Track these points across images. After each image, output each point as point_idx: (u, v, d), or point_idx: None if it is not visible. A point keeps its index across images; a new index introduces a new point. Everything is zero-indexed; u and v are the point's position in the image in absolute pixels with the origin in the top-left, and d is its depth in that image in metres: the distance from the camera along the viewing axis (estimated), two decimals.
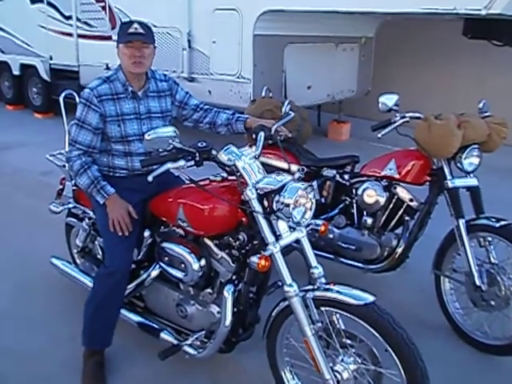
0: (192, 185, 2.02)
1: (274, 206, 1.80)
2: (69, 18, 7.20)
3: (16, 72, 8.20)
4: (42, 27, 7.59)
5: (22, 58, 8.04)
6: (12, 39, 8.14)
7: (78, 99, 2.31)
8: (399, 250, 2.71)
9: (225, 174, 2.04)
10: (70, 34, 7.22)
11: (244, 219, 1.96)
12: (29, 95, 8.21)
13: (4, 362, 2.40)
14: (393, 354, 1.66)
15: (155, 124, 2.29)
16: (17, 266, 3.28)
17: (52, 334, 2.62)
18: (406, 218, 2.74)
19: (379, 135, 2.62)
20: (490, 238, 2.47)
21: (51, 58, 7.62)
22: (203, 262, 2.08)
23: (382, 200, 2.72)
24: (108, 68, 6.31)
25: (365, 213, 2.81)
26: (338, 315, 1.82)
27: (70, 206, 2.75)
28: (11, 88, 8.54)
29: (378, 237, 2.77)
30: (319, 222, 2.01)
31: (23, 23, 7.90)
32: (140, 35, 2.15)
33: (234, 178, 1.93)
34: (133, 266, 2.34)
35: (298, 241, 1.90)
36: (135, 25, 2.15)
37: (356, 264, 2.86)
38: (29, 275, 3.16)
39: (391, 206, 2.74)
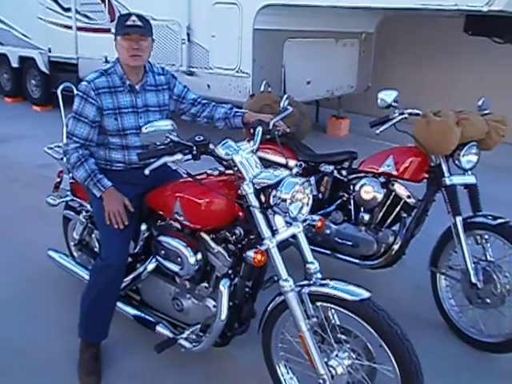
0: (189, 178, 2.01)
1: (271, 201, 1.80)
2: (68, 10, 7.16)
3: (15, 64, 8.16)
4: (41, 19, 7.55)
5: (20, 50, 8.00)
6: (11, 31, 8.09)
7: (75, 92, 2.29)
8: (396, 247, 2.71)
9: (222, 168, 2.03)
10: (69, 27, 7.19)
11: (241, 214, 1.96)
12: (27, 88, 8.17)
13: (1, 352, 2.40)
14: (387, 350, 1.67)
15: (152, 118, 2.28)
16: (15, 259, 3.28)
17: (49, 325, 2.62)
18: (403, 214, 2.74)
19: (377, 131, 2.62)
20: (486, 236, 2.47)
21: (50, 51, 7.58)
22: (199, 256, 2.07)
23: (380, 196, 2.72)
24: (107, 61, 6.29)
25: (362, 209, 2.81)
26: (333, 310, 1.82)
27: (68, 198, 2.75)
28: (10, 80, 8.50)
29: (375, 233, 2.77)
30: (316, 217, 2.00)
31: (22, 15, 7.85)
32: (138, 28, 2.14)
33: (231, 172, 1.93)
34: (129, 259, 2.34)
35: (294, 236, 1.90)
36: (133, 17, 2.14)
37: (352, 260, 2.86)
38: (27, 267, 3.16)
39: (388, 202, 2.74)
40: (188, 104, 2.46)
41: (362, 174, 2.82)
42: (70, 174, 2.61)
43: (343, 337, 1.82)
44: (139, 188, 2.28)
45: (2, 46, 8.36)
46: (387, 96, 2.64)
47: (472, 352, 2.50)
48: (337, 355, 1.82)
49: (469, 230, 2.47)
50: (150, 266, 2.30)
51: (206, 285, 2.15)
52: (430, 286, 2.68)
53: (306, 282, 1.84)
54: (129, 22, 2.13)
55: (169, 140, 1.87)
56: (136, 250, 2.36)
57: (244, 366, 2.34)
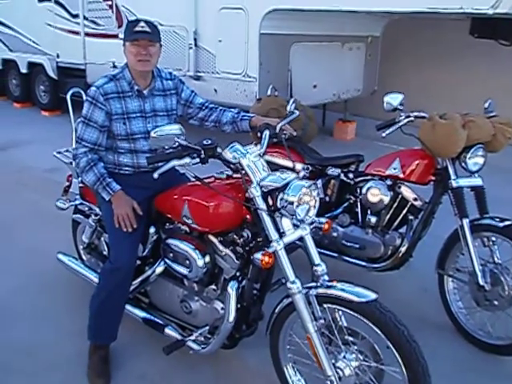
0: (197, 182, 2.04)
1: (278, 204, 1.82)
2: (76, 16, 7.23)
3: (23, 70, 8.26)
4: (50, 25, 7.64)
5: (29, 56, 8.09)
6: (20, 37, 8.19)
7: (84, 97, 2.33)
8: (403, 249, 2.72)
9: (230, 172, 2.06)
10: (77, 33, 7.26)
11: (248, 216, 1.98)
12: (36, 93, 8.26)
13: (11, 354, 2.44)
14: (394, 351, 1.68)
15: (160, 122, 2.31)
16: (25, 262, 3.32)
17: (59, 328, 2.65)
18: (410, 217, 2.74)
19: (383, 134, 2.63)
20: (493, 238, 2.47)
21: (58, 56, 7.66)
22: (207, 258, 2.10)
23: (386, 199, 2.73)
24: (114, 66, 6.35)
25: (369, 212, 2.82)
26: (340, 312, 1.83)
27: (77, 202, 2.78)
28: (19, 86, 8.60)
29: (382, 236, 2.78)
30: (323, 219, 2.02)
31: (31, 21, 7.94)
32: (146, 34, 2.17)
33: (238, 175, 1.95)
34: (138, 262, 2.37)
35: (301, 238, 1.92)
36: (142, 23, 2.17)
37: (359, 263, 2.87)
38: (37, 271, 3.20)
39: (395, 205, 2.75)
40: (195, 108, 2.49)
41: (369, 177, 2.83)
42: (80, 178, 2.64)
43: (350, 338, 1.83)
44: (148, 191, 2.31)
45: (11, 52, 8.47)
46: (393, 99, 2.65)
47: (479, 354, 2.49)
48: (344, 357, 1.83)
49: (476, 232, 2.47)
50: (159, 269, 2.33)
51: (214, 287, 2.17)
52: (437, 288, 2.68)
53: (313, 284, 1.85)
54: (137, 28, 2.16)
55: (177, 144, 1.90)
56: (144, 253, 2.39)
57: (252, 368, 2.35)
